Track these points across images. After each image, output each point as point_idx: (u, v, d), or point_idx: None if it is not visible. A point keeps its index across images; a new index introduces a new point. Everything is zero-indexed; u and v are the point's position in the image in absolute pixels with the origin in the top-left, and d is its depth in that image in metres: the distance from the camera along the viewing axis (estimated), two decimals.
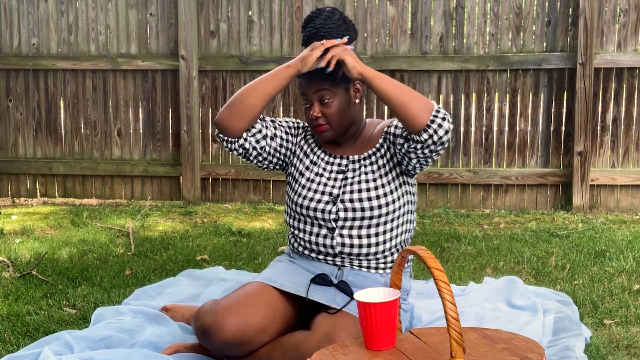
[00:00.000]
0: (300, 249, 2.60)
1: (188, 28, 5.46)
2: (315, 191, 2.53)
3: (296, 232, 2.59)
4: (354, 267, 2.53)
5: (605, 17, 5.10)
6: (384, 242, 2.51)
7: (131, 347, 2.59)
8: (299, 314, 2.50)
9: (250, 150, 2.55)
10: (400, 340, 1.95)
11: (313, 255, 2.57)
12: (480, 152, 5.36)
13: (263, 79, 2.49)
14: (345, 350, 1.94)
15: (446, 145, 2.36)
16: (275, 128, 2.61)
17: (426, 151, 2.35)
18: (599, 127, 5.19)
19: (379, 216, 2.47)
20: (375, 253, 2.51)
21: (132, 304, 3.04)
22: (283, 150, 2.62)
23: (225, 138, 2.54)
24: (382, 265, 2.54)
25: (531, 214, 5.15)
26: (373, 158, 2.53)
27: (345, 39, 2.44)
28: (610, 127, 5.19)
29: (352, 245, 2.50)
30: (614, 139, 5.19)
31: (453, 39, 5.31)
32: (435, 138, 2.30)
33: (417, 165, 2.44)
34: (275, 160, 2.62)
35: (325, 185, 2.53)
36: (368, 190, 2.48)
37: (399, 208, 2.51)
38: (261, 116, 2.58)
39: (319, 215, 2.50)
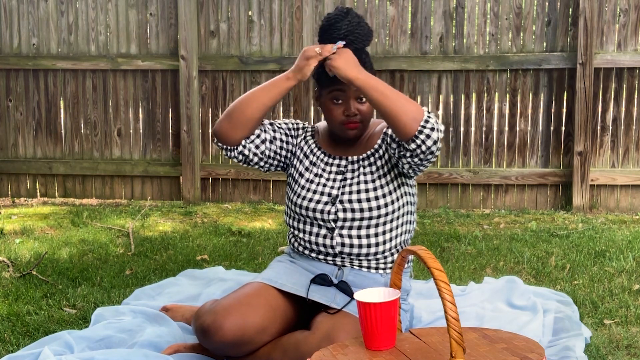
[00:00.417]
0: (301, 248, 2.60)
1: (188, 28, 5.46)
2: (315, 192, 2.53)
3: (296, 232, 2.59)
4: (354, 267, 2.53)
5: (605, 17, 5.10)
6: (384, 242, 2.51)
7: (131, 347, 2.59)
8: (299, 314, 2.50)
9: (251, 156, 2.55)
10: (400, 340, 1.95)
11: (313, 255, 2.57)
12: (480, 152, 5.36)
13: (262, 89, 2.47)
14: (345, 350, 1.94)
15: (437, 154, 2.34)
16: (274, 131, 2.60)
17: (415, 159, 2.34)
18: (599, 127, 5.20)
19: (378, 217, 2.47)
20: (375, 253, 2.51)
21: (132, 304, 3.04)
22: (284, 152, 2.62)
23: (225, 146, 2.54)
24: (382, 266, 2.54)
25: (531, 214, 5.15)
26: (372, 159, 2.53)
27: (341, 44, 2.41)
28: (610, 127, 5.19)
29: (351, 245, 2.50)
30: (614, 139, 5.19)
31: (453, 39, 5.31)
32: (424, 148, 2.29)
33: (410, 171, 2.43)
34: (276, 162, 2.62)
35: (325, 185, 2.53)
36: (367, 191, 2.48)
37: (398, 209, 2.51)
38: None
39: (318, 215, 2.50)
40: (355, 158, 2.55)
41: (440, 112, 5.35)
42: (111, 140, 5.77)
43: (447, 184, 5.41)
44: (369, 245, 2.50)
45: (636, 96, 5.16)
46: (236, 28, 5.54)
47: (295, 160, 2.62)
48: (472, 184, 5.38)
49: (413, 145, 2.29)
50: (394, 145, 2.41)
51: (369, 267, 2.54)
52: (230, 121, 2.49)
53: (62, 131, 5.85)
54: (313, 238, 2.54)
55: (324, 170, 2.56)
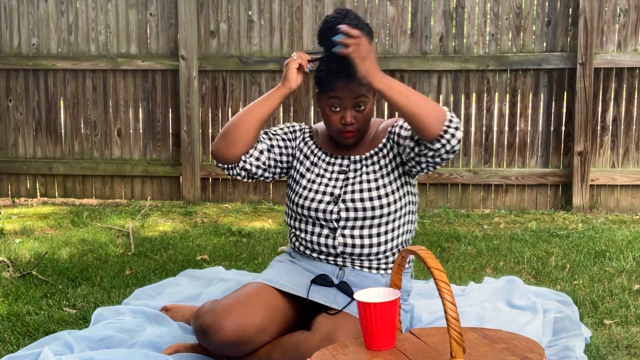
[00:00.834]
0: (302, 248, 2.60)
1: (188, 28, 5.46)
2: (317, 192, 2.52)
3: (298, 232, 2.59)
4: (356, 267, 2.53)
5: (605, 17, 5.10)
6: (386, 242, 2.51)
7: (131, 347, 2.59)
8: (299, 314, 2.50)
9: (254, 169, 2.55)
10: (400, 340, 1.95)
11: (315, 255, 2.57)
12: (480, 152, 5.36)
13: (255, 103, 2.48)
14: (345, 350, 1.94)
15: (457, 151, 2.35)
16: (270, 139, 2.59)
17: (437, 159, 2.35)
18: (599, 127, 5.20)
19: (381, 216, 2.47)
20: (377, 253, 2.51)
21: (132, 304, 3.04)
22: (284, 158, 2.61)
23: (225, 166, 2.53)
24: (383, 266, 2.54)
25: (531, 214, 5.15)
26: (375, 158, 2.53)
27: (312, 66, 2.40)
28: (610, 127, 5.19)
29: (353, 246, 2.50)
30: (614, 139, 5.19)
31: (453, 39, 5.31)
32: (448, 147, 2.29)
33: (425, 168, 2.43)
34: (279, 170, 2.62)
35: (327, 185, 2.53)
36: (369, 190, 2.48)
37: (400, 208, 2.51)
38: None
39: (320, 215, 2.50)
40: (358, 157, 2.54)
41: None
42: (111, 140, 5.77)
43: (447, 184, 5.41)
44: (370, 245, 2.50)
45: (636, 96, 5.16)
46: (236, 28, 5.54)
47: (295, 161, 2.62)
48: (472, 184, 5.38)
49: (438, 145, 2.29)
50: (411, 144, 2.40)
51: (370, 268, 2.53)
52: (227, 139, 2.49)
53: (62, 131, 5.85)
54: (315, 238, 2.54)
55: (325, 170, 2.56)
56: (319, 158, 2.59)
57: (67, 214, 5.17)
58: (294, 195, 2.57)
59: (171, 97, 5.65)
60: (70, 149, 5.83)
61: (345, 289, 2.46)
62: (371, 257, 2.52)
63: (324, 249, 2.53)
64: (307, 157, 2.60)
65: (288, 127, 2.65)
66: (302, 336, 2.35)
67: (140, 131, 5.75)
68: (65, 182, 5.86)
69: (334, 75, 2.41)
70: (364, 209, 2.47)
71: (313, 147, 2.62)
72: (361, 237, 2.49)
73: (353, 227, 2.49)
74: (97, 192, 5.85)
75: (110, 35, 5.69)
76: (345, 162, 2.55)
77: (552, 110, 5.27)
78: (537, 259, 3.86)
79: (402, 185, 2.51)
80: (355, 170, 2.53)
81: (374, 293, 1.95)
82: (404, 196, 2.52)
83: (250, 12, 5.54)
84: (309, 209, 2.52)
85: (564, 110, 5.25)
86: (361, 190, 2.48)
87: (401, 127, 2.48)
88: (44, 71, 5.77)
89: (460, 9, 5.28)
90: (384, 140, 2.54)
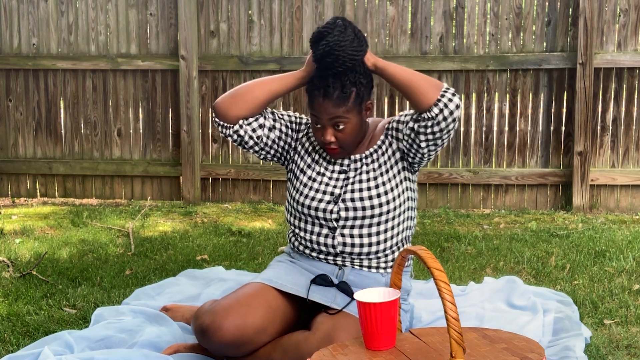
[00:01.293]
0: (301, 248, 2.60)
1: (188, 28, 5.46)
2: (317, 190, 2.53)
3: (297, 230, 2.59)
4: (355, 266, 2.53)
5: (605, 17, 5.10)
6: (385, 240, 2.51)
7: (131, 347, 2.59)
8: (299, 314, 2.50)
9: (246, 138, 2.55)
10: (400, 340, 1.95)
11: (314, 254, 2.57)
12: (480, 152, 5.36)
13: (271, 77, 2.56)
14: (345, 350, 1.94)
15: (457, 122, 2.38)
16: (274, 120, 2.60)
17: (436, 129, 2.35)
18: (599, 127, 5.20)
19: (380, 214, 2.47)
20: (377, 252, 2.51)
21: (132, 304, 3.04)
22: (282, 144, 2.61)
23: (221, 123, 2.54)
24: (383, 265, 2.54)
25: (531, 214, 5.15)
26: (374, 156, 2.53)
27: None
28: (610, 127, 5.19)
29: (353, 245, 2.50)
30: (614, 139, 5.19)
31: (453, 39, 5.31)
32: (446, 112, 2.32)
33: (426, 151, 2.43)
34: (272, 152, 2.61)
35: (327, 184, 2.53)
36: (369, 189, 2.48)
37: (400, 205, 2.51)
38: None
39: (320, 215, 2.50)
40: (358, 156, 2.55)
41: None
42: (111, 140, 5.77)
43: (447, 184, 5.41)
44: (370, 244, 2.50)
45: (636, 96, 5.16)
46: (236, 28, 5.54)
47: (296, 155, 2.62)
48: (472, 184, 5.38)
49: (436, 110, 2.33)
50: (410, 125, 2.42)
51: (369, 267, 2.53)
52: (234, 98, 2.52)
53: (62, 131, 5.85)
54: (314, 237, 2.54)
55: (326, 169, 2.56)
56: (320, 155, 2.59)
57: (67, 214, 5.17)
58: (294, 191, 2.57)
59: (171, 97, 5.65)
60: (70, 149, 5.83)
61: (345, 288, 2.46)
62: (371, 256, 2.52)
63: (323, 248, 2.53)
64: (309, 153, 2.61)
65: (295, 117, 2.66)
66: (302, 336, 2.35)
67: (140, 131, 5.74)
68: (65, 182, 5.86)
69: (314, 92, 2.43)
70: (364, 208, 2.47)
71: (315, 143, 2.62)
72: (361, 236, 2.49)
73: (353, 227, 2.49)
74: (97, 192, 5.85)
75: (110, 35, 5.69)
76: (346, 161, 2.55)
77: (552, 110, 5.27)
78: (537, 259, 3.86)
79: (401, 181, 2.52)
80: (356, 169, 2.53)
81: (374, 293, 1.95)
82: (404, 192, 2.52)
83: (250, 12, 5.54)
84: (309, 207, 2.52)
85: (564, 110, 5.25)
86: (361, 190, 2.49)
87: (398, 120, 2.51)
88: (44, 71, 5.77)
89: (460, 9, 5.28)
90: (382, 137, 2.54)
